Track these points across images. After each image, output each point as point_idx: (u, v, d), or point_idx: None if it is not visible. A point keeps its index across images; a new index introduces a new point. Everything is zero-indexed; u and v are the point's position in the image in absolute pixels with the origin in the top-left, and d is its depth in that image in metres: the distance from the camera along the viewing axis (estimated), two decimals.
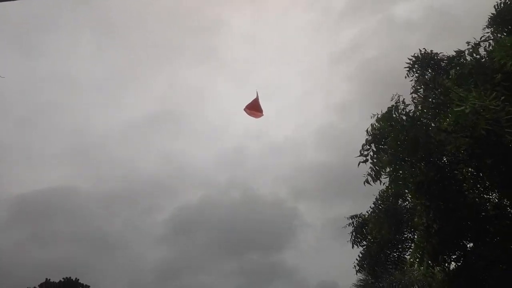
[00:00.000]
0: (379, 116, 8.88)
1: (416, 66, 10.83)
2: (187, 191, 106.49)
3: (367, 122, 9.29)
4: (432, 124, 8.69)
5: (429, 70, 10.55)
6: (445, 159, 9.44)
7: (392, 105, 8.87)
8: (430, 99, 8.80)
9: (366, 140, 8.79)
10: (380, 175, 8.65)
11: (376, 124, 8.86)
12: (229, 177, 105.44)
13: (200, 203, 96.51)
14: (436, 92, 8.82)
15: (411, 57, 10.90)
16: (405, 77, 10.86)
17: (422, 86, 9.68)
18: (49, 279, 46.28)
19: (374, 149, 8.75)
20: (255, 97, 8.68)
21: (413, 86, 10.35)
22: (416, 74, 10.84)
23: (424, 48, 10.86)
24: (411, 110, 8.93)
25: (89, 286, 48.88)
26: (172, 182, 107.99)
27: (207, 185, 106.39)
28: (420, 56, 10.81)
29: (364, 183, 8.77)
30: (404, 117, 8.58)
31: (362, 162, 8.75)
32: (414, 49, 11.18)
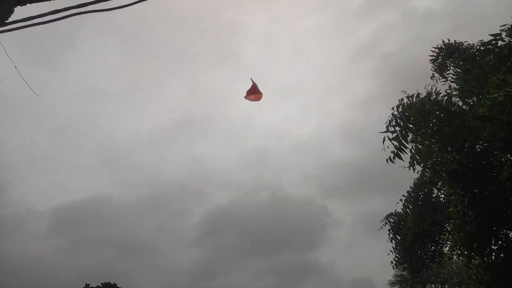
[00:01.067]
0: (407, 102, 8.69)
1: (440, 57, 10.50)
2: (215, 193, 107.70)
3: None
4: (467, 111, 8.45)
5: (459, 62, 10.24)
6: (480, 146, 9.14)
7: (425, 95, 8.66)
8: (464, 87, 8.52)
9: (395, 116, 8.61)
10: (402, 151, 8.44)
11: (407, 101, 8.66)
12: (255, 178, 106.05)
13: (228, 205, 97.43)
14: (470, 78, 8.55)
15: (434, 48, 10.60)
16: (431, 69, 10.57)
17: (452, 73, 9.42)
18: (89, 284, 48.01)
19: (401, 129, 8.55)
20: (251, 84, 9.02)
21: (440, 73, 10.04)
22: (438, 68, 10.57)
23: (448, 39, 10.51)
24: (444, 98, 8.65)
25: None
26: (200, 185, 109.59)
27: (234, 187, 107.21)
28: (444, 47, 10.48)
29: (387, 161, 8.57)
30: (437, 107, 8.33)
31: (392, 139, 8.48)
32: (436, 41, 10.88)
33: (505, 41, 8.51)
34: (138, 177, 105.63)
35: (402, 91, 9.06)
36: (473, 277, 9.30)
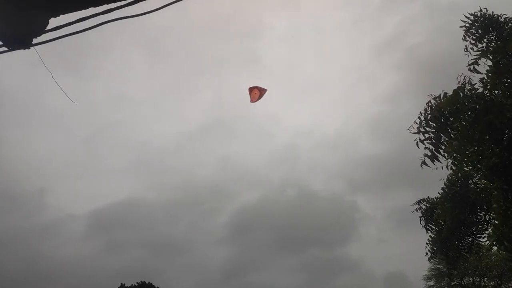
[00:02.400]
0: (441, 98, 8.30)
1: (474, 28, 9.03)
2: (244, 192, 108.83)
3: (419, 108, 8.71)
4: (504, 101, 7.94)
5: (492, 35, 8.85)
6: None
7: (458, 86, 8.21)
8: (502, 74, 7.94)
9: (426, 117, 8.28)
10: (437, 157, 8.08)
11: (434, 102, 8.30)
12: (283, 175, 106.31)
13: (258, 203, 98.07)
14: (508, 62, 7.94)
15: (468, 16, 9.10)
16: (462, 39, 9.12)
17: (489, 56, 8.58)
18: (124, 284, 49.49)
19: (434, 130, 8.22)
20: (251, 94, 9.12)
21: (475, 60, 9.03)
22: (473, 38, 9.01)
23: (485, 8, 8.95)
24: (478, 89, 8.16)
25: None
26: (229, 185, 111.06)
27: (263, 185, 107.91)
28: (480, 16, 8.95)
29: (421, 165, 8.26)
30: (473, 98, 7.86)
31: (422, 140, 8.17)
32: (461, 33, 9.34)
33: None
34: (169, 179, 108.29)
35: (428, 95, 8.65)
36: None
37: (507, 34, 8.58)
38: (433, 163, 8.18)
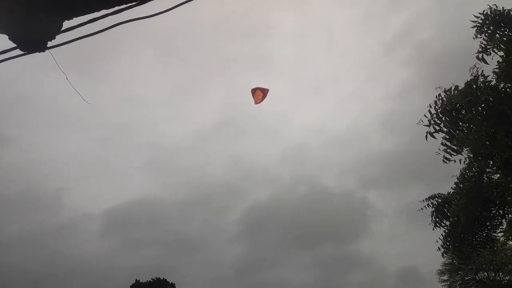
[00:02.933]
0: (452, 91, 8.16)
1: (486, 25, 8.88)
2: (255, 190, 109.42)
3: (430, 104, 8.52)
4: None
5: (505, 30, 8.66)
6: None
7: (471, 78, 8.02)
8: None
9: (437, 110, 8.16)
10: (460, 151, 7.94)
11: (445, 95, 8.17)
12: (294, 173, 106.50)
13: (269, 200, 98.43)
14: None
15: (479, 14, 9.03)
16: (474, 38, 8.98)
17: (499, 48, 8.37)
18: (139, 280, 50.19)
19: (448, 124, 8.09)
20: (254, 95, 9.16)
21: (483, 48, 8.83)
22: (485, 36, 8.87)
23: (494, 4, 8.85)
24: (492, 81, 7.98)
25: (174, 284, 52.17)
26: (241, 183, 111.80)
27: (274, 183, 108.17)
28: (490, 13, 8.87)
29: (443, 161, 8.14)
30: (486, 90, 7.67)
31: (432, 133, 8.08)
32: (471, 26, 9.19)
33: None
34: (182, 178, 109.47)
35: (437, 87, 8.51)
36: None
37: None
38: (451, 156, 8.10)
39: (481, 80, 8.05)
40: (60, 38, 2.92)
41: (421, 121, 8.31)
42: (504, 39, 8.31)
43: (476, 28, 9.01)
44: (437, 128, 8.10)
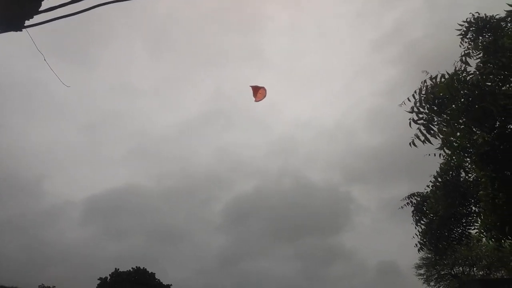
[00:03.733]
0: (437, 79, 8.04)
1: (470, 32, 9.41)
2: (241, 182, 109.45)
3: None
4: (497, 89, 7.87)
5: (487, 36, 9.14)
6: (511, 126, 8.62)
7: (454, 72, 7.97)
8: (492, 64, 7.82)
9: (420, 97, 8.06)
10: (428, 139, 7.84)
11: (430, 83, 8.06)
12: (281, 166, 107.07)
13: (255, 192, 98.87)
14: (499, 55, 7.86)
15: (463, 22, 9.58)
16: (460, 46, 9.48)
17: (480, 50, 8.60)
18: (118, 269, 49.84)
19: (427, 111, 7.98)
20: (252, 90, 9.37)
21: (466, 50, 9.21)
22: (471, 43, 9.36)
23: (477, 12, 9.37)
24: (473, 76, 8.03)
25: (154, 274, 52.04)
26: (227, 174, 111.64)
27: (260, 175, 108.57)
28: (473, 21, 9.43)
29: (410, 144, 8.06)
30: (467, 84, 7.66)
31: (416, 120, 7.93)
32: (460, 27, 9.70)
33: None
34: (168, 168, 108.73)
35: (423, 70, 8.49)
36: (504, 259, 9.03)
37: (499, 31, 8.67)
38: (424, 144, 8.01)
39: (464, 75, 8.04)
40: (40, 18, 2.82)
41: (403, 103, 8.23)
42: (484, 43, 8.52)
43: (461, 36, 9.44)
44: (420, 116, 7.98)
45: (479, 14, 9.37)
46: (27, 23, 2.49)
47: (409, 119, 8.08)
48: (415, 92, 8.22)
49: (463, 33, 9.53)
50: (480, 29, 9.29)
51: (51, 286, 52.06)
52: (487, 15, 9.30)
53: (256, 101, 9.38)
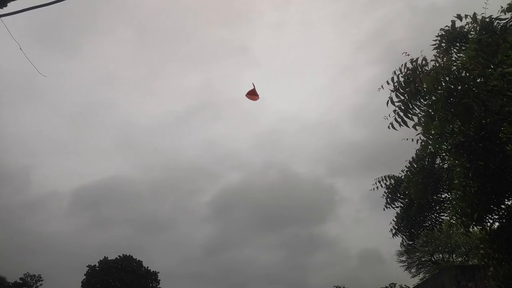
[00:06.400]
0: (418, 62, 7.99)
1: (443, 43, 9.53)
2: (227, 173, 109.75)
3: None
4: (479, 83, 7.99)
5: (459, 44, 9.30)
6: (488, 119, 8.85)
7: (438, 66, 7.91)
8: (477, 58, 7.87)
9: (398, 81, 7.94)
10: (405, 122, 7.88)
11: (410, 66, 8.03)
12: (266, 158, 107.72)
13: (240, 184, 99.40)
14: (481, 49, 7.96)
15: (436, 36, 9.69)
16: (434, 56, 9.37)
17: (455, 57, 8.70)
18: (107, 257, 49.98)
19: (406, 95, 7.98)
20: (252, 87, 9.80)
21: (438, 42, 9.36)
22: (441, 52, 9.48)
23: (452, 21, 9.40)
24: (456, 70, 8.14)
25: (141, 262, 52.29)
26: (213, 166, 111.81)
27: (246, 167, 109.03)
28: (445, 34, 9.53)
29: (388, 127, 8.01)
30: (450, 78, 7.72)
31: (396, 102, 7.86)
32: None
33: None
34: (154, 159, 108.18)
35: (403, 53, 8.42)
36: (481, 251, 9.36)
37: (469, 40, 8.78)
38: (400, 126, 8.00)
39: (445, 65, 7.97)
40: (14, 6, 2.87)
41: (382, 88, 8.22)
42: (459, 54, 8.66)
43: (436, 47, 9.59)
44: (400, 97, 7.93)
45: (449, 27, 9.52)
46: (1, 11, 2.54)
47: (389, 97, 8.02)
48: (394, 72, 8.19)
49: (437, 44, 9.67)
50: (453, 40, 9.46)
51: (36, 275, 51.90)
52: (462, 26, 9.42)
53: (246, 96, 9.73)
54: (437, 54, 9.24)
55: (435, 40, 9.73)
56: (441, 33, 9.67)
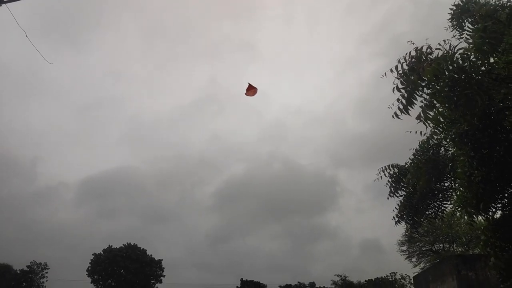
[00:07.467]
0: (415, 55, 7.99)
1: (456, 15, 9.67)
2: (233, 165, 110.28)
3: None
4: (483, 71, 7.91)
5: (472, 20, 9.39)
6: (492, 108, 8.77)
7: (442, 56, 7.77)
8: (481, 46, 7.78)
9: (403, 69, 7.96)
10: (408, 110, 7.86)
11: (415, 54, 7.99)
12: (271, 150, 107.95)
13: (245, 175, 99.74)
14: (487, 36, 7.88)
15: (452, 6, 9.78)
16: (446, 30, 9.82)
17: (467, 32, 8.66)
18: (111, 245, 50.51)
19: (410, 84, 7.97)
20: (248, 86, 10.12)
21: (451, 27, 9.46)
22: (455, 24, 9.81)
23: None
24: (459, 57, 8.04)
25: (146, 250, 52.79)
26: (218, 158, 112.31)
27: (251, 159, 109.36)
28: (461, 3, 9.61)
29: (392, 116, 7.93)
30: (453, 67, 7.65)
31: (401, 88, 7.81)
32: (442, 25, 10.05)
33: None
34: (161, 152, 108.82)
35: (408, 41, 8.34)
36: (482, 237, 9.37)
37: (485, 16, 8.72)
38: (402, 114, 7.93)
39: (450, 52, 7.89)
40: None
41: (385, 75, 8.18)
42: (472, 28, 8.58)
43: (451, 18, 9.81)
44: (404, 84, 7.85)
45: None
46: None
47: (393, 83, 7.97)
48: (398, 61, 8.13)
49: (451, 15, 9.82)
50: (466, 11, 9.56)
51: (42, 263, 52.56)
52: None
53: (246, 94, 10.21)
54: (450, 26, 9.47)
55: (451, 9, 9.87)
56: (457, 3, 9.81)
